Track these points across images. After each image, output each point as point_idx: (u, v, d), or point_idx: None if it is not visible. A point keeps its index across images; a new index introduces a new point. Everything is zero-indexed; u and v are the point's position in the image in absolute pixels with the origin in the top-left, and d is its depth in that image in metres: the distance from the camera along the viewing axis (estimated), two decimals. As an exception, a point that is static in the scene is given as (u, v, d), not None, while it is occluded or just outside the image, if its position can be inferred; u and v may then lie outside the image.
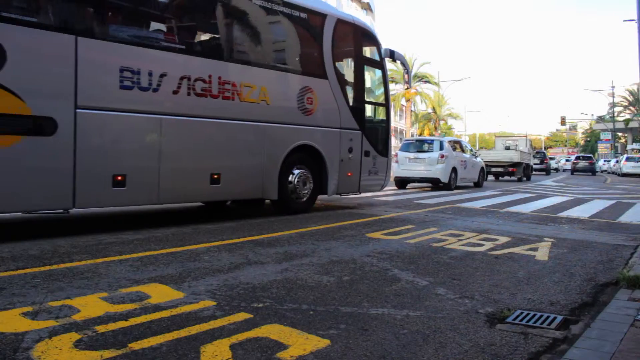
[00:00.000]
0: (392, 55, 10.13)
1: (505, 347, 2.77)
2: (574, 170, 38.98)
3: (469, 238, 6.34)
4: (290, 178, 8.07)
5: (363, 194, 10.16)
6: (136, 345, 2.59)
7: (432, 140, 16.76)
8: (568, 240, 6.43)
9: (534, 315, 3.32)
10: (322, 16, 8.55)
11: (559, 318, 3.28)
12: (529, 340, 2.89)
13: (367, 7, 46.16)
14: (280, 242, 5.69)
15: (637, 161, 35.52)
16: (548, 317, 3.29)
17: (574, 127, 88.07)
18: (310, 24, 8.52)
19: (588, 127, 77.93)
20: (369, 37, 9.66)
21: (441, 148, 15.74)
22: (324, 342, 2.73)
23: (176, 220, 7.31)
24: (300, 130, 8.16)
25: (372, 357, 2.58)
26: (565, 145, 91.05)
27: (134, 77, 6.04)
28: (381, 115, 10.17)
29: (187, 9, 7.28)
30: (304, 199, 8.36)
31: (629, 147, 49.80)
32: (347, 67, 9.39)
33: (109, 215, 7.71)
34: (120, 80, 5.93)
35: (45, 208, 5.73)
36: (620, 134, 60.62)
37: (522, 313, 3.35)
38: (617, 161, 40.62)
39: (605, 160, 49.53)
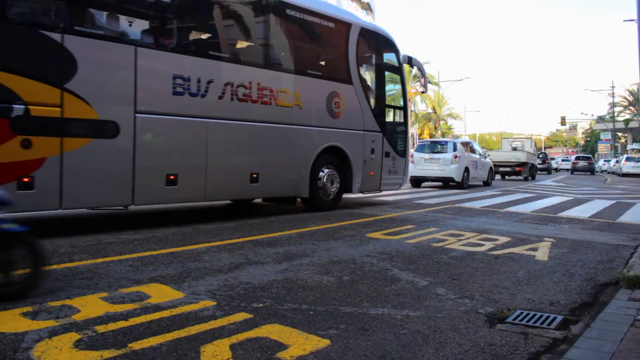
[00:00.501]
0: (410, 61, 10.71)
1: (505, 347, 2.77)
2: (573, 170, 39.89)
3: (469, 238, 6.34)
4: (319, 177, 8.63)
5: (362, 195, 10.48)
6: (136, 345, 2.59)
7: (446, 142, 17.60)
8: (568, 240, 6.43)
9: (534, 315, 3.33)
10: (348, 25, 9.14)
11: (559, 318, 3.28)
12: (529, 340, 2.89)
13: (367, 7, 46.17)
14: (280, 242, 5.69)
15: (637, 161, 35.48)
16: (548, 317, 3.29)
17: (574, 127, 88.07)
18: (337, 32, 9.04)
19: (588, 127, 77.94)
20: (389, 44, 10.19)
21: (454, 149, 16.49)
22: (324, 342, 2.73)
23: (176, 220, 7.31)
24: (328, 132, 8.77)
25: (372, 357, 2.58)
26: (565, 145, 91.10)
27: (184, 84, 6.62)
28: (400, 118, 10.71)
29: (230, 21, 7.73)
30: (331, 197, 8.94)
31: (629, 147, 49.78)
32: (370, 73, 9.96)
33: (109, 215, 7.71)
34: (173, 87, 6.50)
35: (108, 205, 6.25)
36: (620, 134, 60.60)
37: (522, 313, 3.35)
38: (617, 161, 40.61)
39: (605, 160, 49.53)
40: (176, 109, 6.56)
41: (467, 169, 16.57)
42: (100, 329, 2.80)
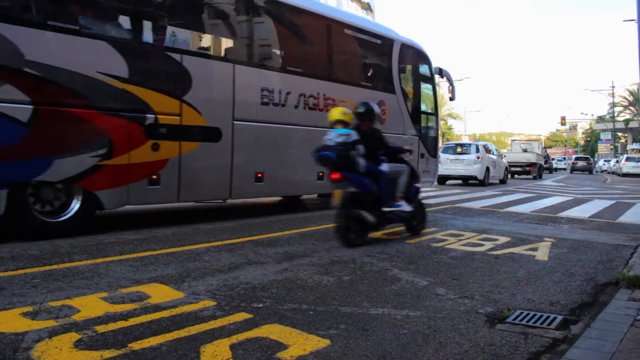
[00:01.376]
0: (440, 72, 11.91)
1: (505, 347, 2.77)
2: (573, 170, 41.88)
3: (469, 238, 6.34)
4: None
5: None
6: (136, 345, 2.59)
7: (470, 144, 20.22)
8: (568, 240, 6.43)
9: (534, 315, 3.32)
10: (391, 41, 10.37)
11: (559, 318, 3.28)
12: (529, 340, 2.88)
13: (367, 7, 46.07)
14: (280, 242, 5.69)
15: (637, 161, 35.48)
16: (548, 317, 3.29)
17: (574, 127, 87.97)
18: (384, 48, 10.25)
19: (588, 127, 77.85)
20: (423, 57, 11.41)
21: (477, 151, 18.73)
22: (324, 342, 2.73)
23: (176, 220, 7.31)
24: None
25: (372, 357, 2.58)
26: (565, 145, 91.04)
27: (269, 96, 7.84)
28: (432, 123, 11.89)
29: (303, 41, 9.03)
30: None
31: (629, 147, 49.76)
32: (408, 83, 11.18)
33: (109, 215, 7.71)
34: (261, 98, 7.71)
35: (212, 198, 7.45)
36: (620, 134, 60.51)
37: (522, 313, 3.35)
38: (617, 161, 40.65)
39: (605, 160, 49.56)
40: (263, 117, 7.76)
41: (487, 169, 18.68)
42: (100, 329, 2.80)
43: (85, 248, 5.06)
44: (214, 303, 3.35)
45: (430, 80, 11.66)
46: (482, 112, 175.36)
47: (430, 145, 11.55)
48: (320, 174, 8.55)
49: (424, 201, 6.47)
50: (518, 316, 3.29)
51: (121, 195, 6.14)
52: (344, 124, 5.88)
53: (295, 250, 5.27)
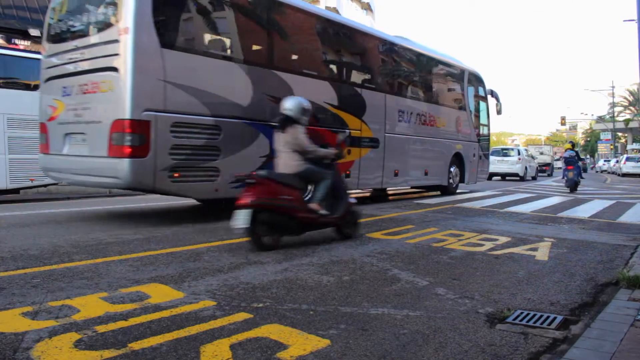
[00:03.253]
0: (492, 92, 15.46)
1: (505, 347, 2.77)
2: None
3: (469, 238, 6.34)
4: (451, 172, 13.24)
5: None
6: (136, 345, 2.59)
7: (512, 148, 26.80)
8: (568, 240, 6.43)
9: (534, 315, 3.32)
10: (463, 70, 14.10)
11: (559, 318, 3.28)
12: (529, 340, 2.88)
13: (367, 7, 46.04)
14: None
15: (637, 161, 35.48)
16: (548, 317, 3.29)
17: (574, 127, 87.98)
18: (459, 76, 14.03)
19: (588, 127, 77.85)
20: (481, 81, 14.99)
21: (518, 153, 24.93)
22: (324, 342, 2.73)
23: (176, 220, 7.31)
24: (455, 143, 13.55)
25: (372, 357, 2.58)
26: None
27: (403, 115, 11.32)
28: (486, 132, 15.53)
29: (418, 75, 12.60)
30: (454, 185, 13.55)
31: (629, 147, 49.76)
32: (472, 101, 14.60)
33: (109, 215, 7.71)
34: (399, 117, 11.19)
35: (373, 187, 11.12)
36: (620, 134, 60.46)
37: (522, 313, 3.35)
38: (617, 161, 40.68)
39: (605, 160, 49.60)
40: (399, 130, 11.20)
41: (526, 168, 24.70)
42: (100, 329, 2.80)
43: (85, 248, 5.06)
44: (214, 303, 3.34)
45: (485, 99, 15.21)
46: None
47: (485, 149, 15.28)
48: (426, 171, 12.21)
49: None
50: (518, 316, 3.29)
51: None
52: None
53: (295, 250, 5.27)
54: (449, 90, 13.70)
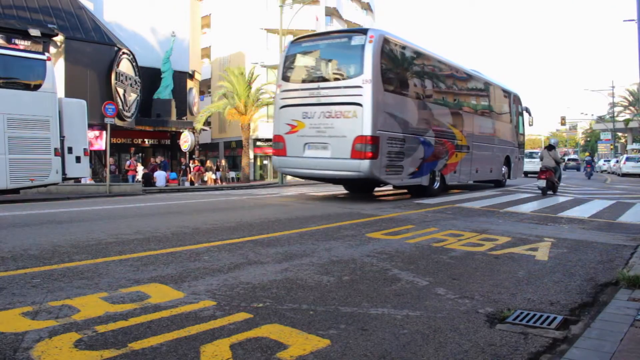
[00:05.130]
0: (526, 109, 20.43)
1: (505, 347, 2.77)
2: (565, 168, 46.91)
3: (469, 238, 6.34)
4: (503, 170, 17.91)
5: (362, 195, 13.17)
6: (136, 345, 2.59)
7: (538, 152, 32.16)
8: (568, 240, 6.43)
9: (534, 315, 3.32)
10: (510, 93, 18.74)
11: (559, 318, 3.28)
12: (529, 340, 2.88)
13: (367, 7, 45.97)
14: (280, 242, 5.69)
15: (637, 161, 35.47)
16: (548, 317, 3.29)
17: (574, 127, 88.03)
18: (507, 97, 18.52)
19: (588, 127, 77.88)
20: (518, 99, 19.71)
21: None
22: (324, 342, 2.73)
23: (176, 220, 7.31)
24: (506, 148, 18.21)
25: (372, 357, 2.58)
26: (565, 146, 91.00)
27: (481, 129, 15.73)
28: (522, 139, 20.50)
29: (490, 100, 17.07)
30: (504, 181, 18.15)
31: (629, 147, 49.79)
32: (514, 116, 19.22)
33: (109, 215, 7.72)
34: (480, 130, 15.52)
35: (462, 182, 15.43)
36: (620, 134, 60.51)
37: (522, 313, 3.35)
38: (617, 161, 40.69)
39: (605, 160, 49.61)
40: (479, 140, 15.46)
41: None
42: (100, 328, 2.80)
43: (85, 248, 5.06)
44: (214, 303, 3.35)
45: (522, 114, 20.02)
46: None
47: (522, 151, 20.48)
48: (490, 169, 16.67)
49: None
50: (518, 316, 3.29)
51: (452, 177, 13.82)
52: None
53: (295, 250, 5.27)
54: (503, 108, 18.18)
